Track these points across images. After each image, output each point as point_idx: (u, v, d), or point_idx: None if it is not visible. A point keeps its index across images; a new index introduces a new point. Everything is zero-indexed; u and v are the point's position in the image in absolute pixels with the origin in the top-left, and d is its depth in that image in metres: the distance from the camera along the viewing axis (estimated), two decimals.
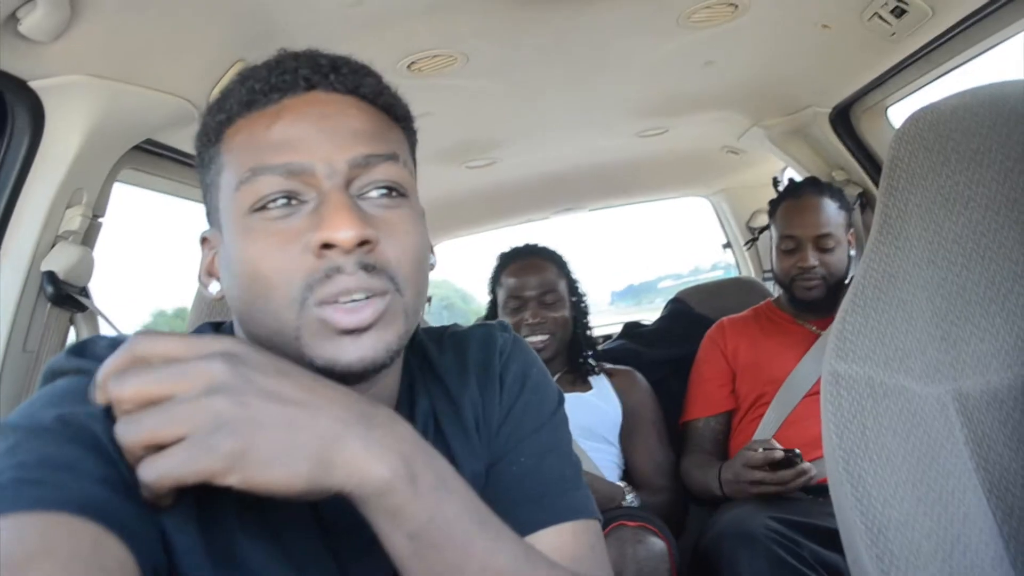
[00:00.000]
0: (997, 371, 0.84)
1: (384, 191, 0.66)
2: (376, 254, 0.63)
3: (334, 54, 0.70)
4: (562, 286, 2.04)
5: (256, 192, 0.64)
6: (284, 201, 0.64)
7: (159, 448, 0.51)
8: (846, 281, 1.93)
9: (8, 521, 0.47)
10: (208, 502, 0.60)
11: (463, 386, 0.78)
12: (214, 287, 0.71)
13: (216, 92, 0.72)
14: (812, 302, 1.92)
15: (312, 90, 0.67)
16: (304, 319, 0.62)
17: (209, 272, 0.72)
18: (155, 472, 0.50)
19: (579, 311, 2.10)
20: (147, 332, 0.55)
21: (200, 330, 0.74)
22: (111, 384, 0.52)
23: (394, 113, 0.72)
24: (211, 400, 0.50)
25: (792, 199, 1.97)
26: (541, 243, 2.14)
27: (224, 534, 0.62)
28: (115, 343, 0.64)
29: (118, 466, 0.53)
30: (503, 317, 2.03)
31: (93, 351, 0.63)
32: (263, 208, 0.64)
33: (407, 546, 0.55)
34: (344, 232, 0.61)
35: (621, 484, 1.80)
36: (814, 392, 1.84)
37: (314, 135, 0.64)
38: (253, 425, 0.51)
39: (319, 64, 0.67)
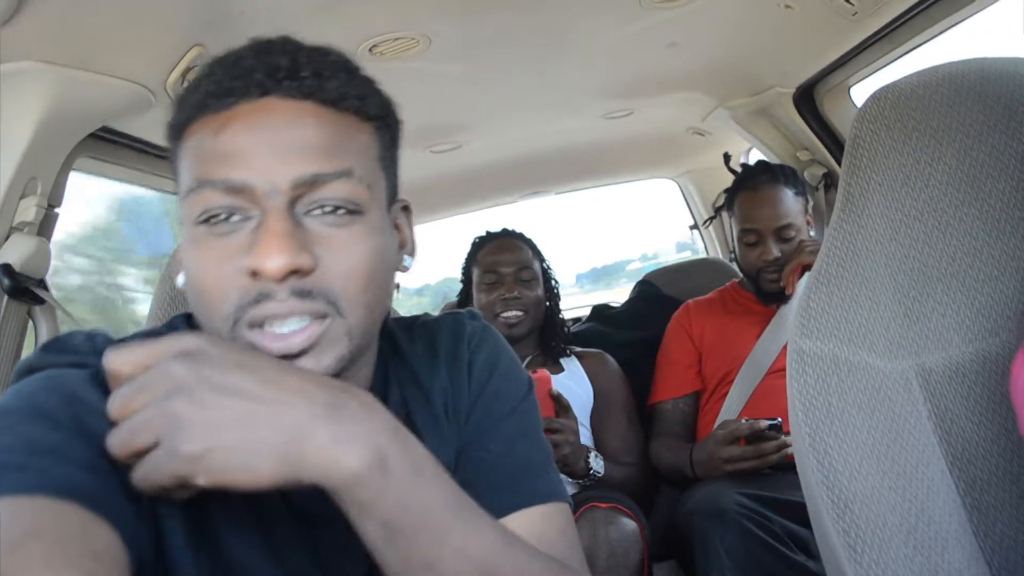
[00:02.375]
0: (958, 346, 0.86)
1: (332, 210, 0.63)
2: (315, 279, 0.61)
3: (304, 47, 0.66)
4: (536, 266, 2.07)
5: (200, 204, 0.62)
6: (226, 216, 0.61)
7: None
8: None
9: None
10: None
11: (433, 374, 0.78)
12: (180, 278, 0.69)
13: (174, 77, 0.70)
14: (779, 292, 1.94)
15: (266, 96, 0.62)
16: (236, 339, 0.61)
17: (180, 261, 0.70)
18: (138, 478, 0.53)
19: (552, 295, 2.12)
20: (113, 348, 0.56)
21: (173, 322, 0.73)
22: (108, 408, 0.54)
23: (365, 113, 0.67)
24: (170, 404, 0.51)
25: (749, 191, 1.97)
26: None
27: (209, 522, 0.62)
28: (92, 337, 0.63)
29: (104, 452, 0.54)
30: (478, 296, 2.05)
31: (70, 345, 0.63)
32: (207, 221, 0.62)
33: (380, 534, 0.55)
34: (273, 261, 0.58)
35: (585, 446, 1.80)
36: (776, 369, 1.86)
37: (259, 149, 0.61)
38: (211, 426, 0.51)
39: (277, 67, 0.63)
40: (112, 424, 0.54)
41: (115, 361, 0.55)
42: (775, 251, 1.90)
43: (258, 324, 0.60)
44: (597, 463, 1.75)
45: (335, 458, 0.53)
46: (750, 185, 1.97)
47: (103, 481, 0.53)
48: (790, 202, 1.93)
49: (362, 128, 0.67)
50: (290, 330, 0.60)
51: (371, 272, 0.64)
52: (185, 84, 0.68)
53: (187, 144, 0.64)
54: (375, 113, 0.68)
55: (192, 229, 0.63)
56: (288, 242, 0.59)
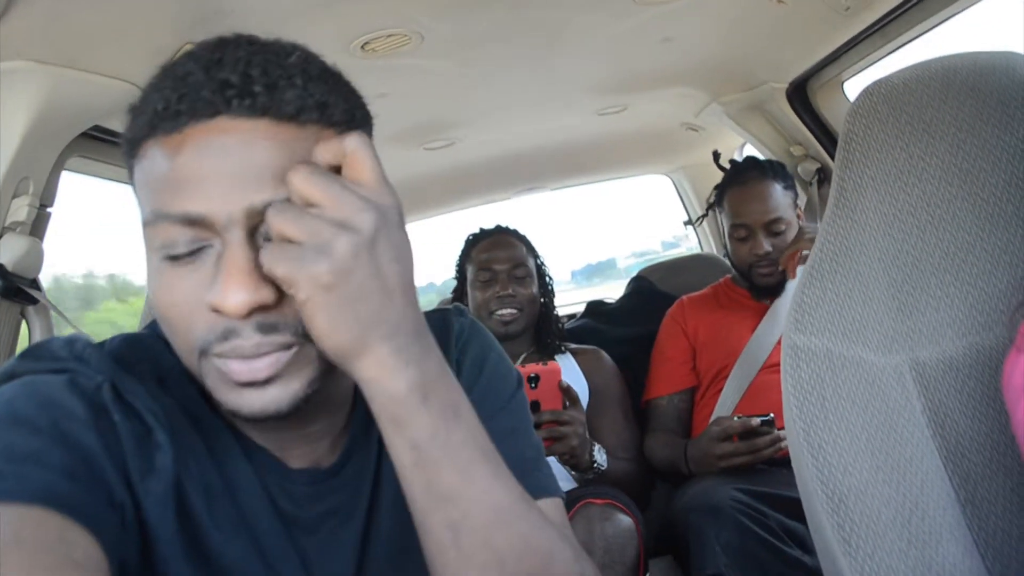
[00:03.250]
0: (952, 340, 0.86)
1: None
2: (280, 312, 0.58)
3: (259, 56, 0.60)
4: (531, 263, 2.07)
5: (160, 237, 0.58)
6: (187, 250, 0.58)
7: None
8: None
9: None
10: (183, 494, 0.61)
11: None
12: None
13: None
14: (772, 286, 1.94)
15: (216, 116, 0.57)
16: (204, 368, 0.60)
17: None
18: (265, 258, 0.53)
19: (546, 292, 2.12)
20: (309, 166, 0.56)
21: (153, 325, 0.71)
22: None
23: (329, 120, 0.62)
24: (339, 234, 0.52)
25: (738, 186, 1.98)
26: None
27: (199, 529, 0.62)
28: (71, 342, 0.63)
29: (85, 458, 0.53)
30: (472, 293, 2.05)
31: (49, 351, 0.62)
32: (168, 256, 0.59)
33: (409, 456, 0.56)
34: (233, 299, 0.55)
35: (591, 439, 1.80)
36: (771, 364, 1.87)
37: (212, 176, 0.57)
38: (346, 275, 0.52)
39: (227, 83, 0.58)
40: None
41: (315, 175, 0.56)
42: (766, 245, 1.91)
43: (227, 355, 0.58)
44: (601, 456, 1.76)
45: (387, 373, 0.54)
46: (739, 181, 1.98)
47: (83, 487, 0.52)
48: (779, 196, 1.94)
49: (324, 136, 0.61)
50: (256, 359, 0.58)
51: None
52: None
53: (141, 164, 0.61)
54: (339, 119, 0.63)
55: (152, 258, 0.60)
56: (248, 279, 0.56)
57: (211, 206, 0.56)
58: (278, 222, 0.53)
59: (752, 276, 1.96)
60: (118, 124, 1.50)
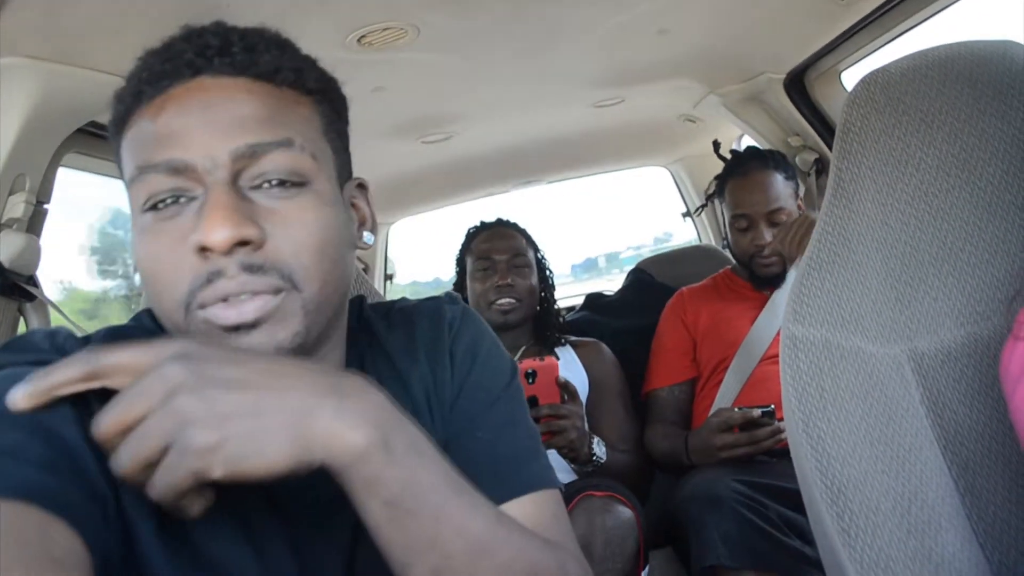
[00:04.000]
0: (950, 329, 0.86)
1: (278, 183, 0.63)
2: (265, 252, 0.60)
3: (237, 28, 0.66)
4: (531, 255, 2.07)
5: (145, 191, 0.61)
6: (172, 200, 0.61)
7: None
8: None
9: None
10: None
11: (412, 364, 0.77)
12: (138, 276, 0.68)
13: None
14: (773, 277, 1.94)
15: (198, 76, 0.62)
16: (191, 324, 0.61)
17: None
18: (156, 489, 0.51)
19: (546, 284, 2.12)
20: (97, 349, 0.54)
21: (138, 317, 0.72)
22: (93, 431, 0.52)
23: (303, 87, 0.67)
24: (174, 403, 0.50)
25: (739, 176, 1.97)
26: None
27: (185, 522, 0.60)
28: (52, 335, 0.62)
29: (65, 451, 0.53)
30: (472, 285, 2.05)
31: (30, 343, 0.62)
32: (153, 207, 0.62)
33: (384, 514, 0.55)
34: (217, 234, 0.58)
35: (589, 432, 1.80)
36: (771, 356, 1.86)
37: (195, 127, 0.61)
38: (221, 417, 0.50)
39: (206, 46, 0.63)
40: (99, 446, 0.52)
41: (100, 360, 0.53)
42: (767, 235, 1.90)
43: (210, 303, 0.60)
44: (600, 449, 1.76)
45: (341, 435, 0.53)
46: (740, 171, 1.98)
47: (64, 481, 0.51)
48: (780, 186, 1.93)
49: (300, 101, 0.67)
50: (243, 299, 0.60)
51: (323, 244, 0.64)
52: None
53: (127, 136, 0.64)
54: (314, 87, 0.68)
55: (139, 218, 0.62)
56: (232, 214, 0.58)
57: (193, 153, 0.60)
58: (119, 422, 0.51)
59: (753, 266, 1.95)
60: None
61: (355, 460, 0.53)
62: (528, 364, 1.65)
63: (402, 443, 0.56)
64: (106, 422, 0.51)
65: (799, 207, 1.97)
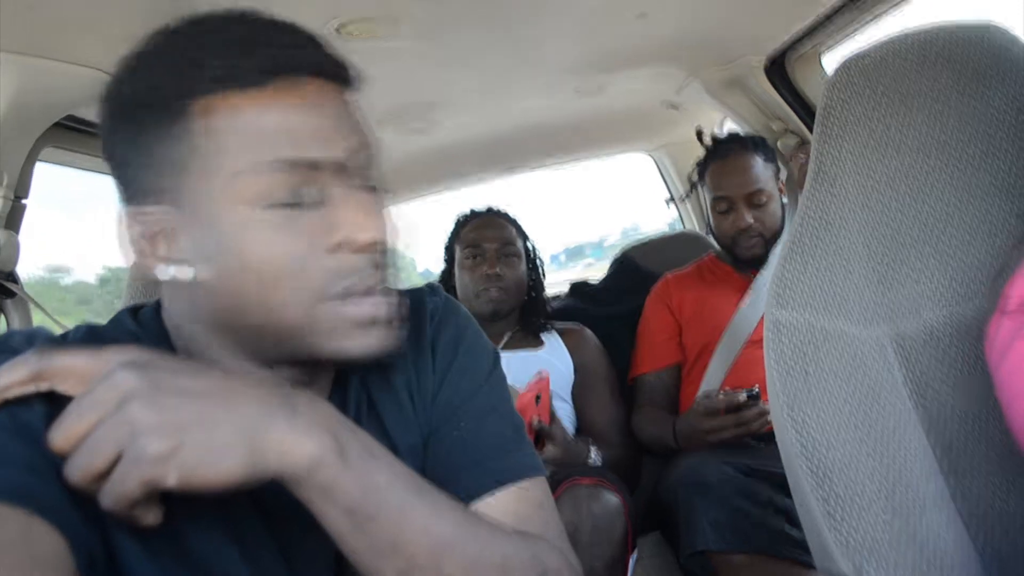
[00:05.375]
0: (932, 311, 0.86)
1: (374, 188, 0.66)
2: (384, 253, 0.65)
3: (302, 29, 0.65)
4: (520, 244, 2.06)
5: (268, 185, 0.60)
6: (298, 197, 0.61)
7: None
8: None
9: None
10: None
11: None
12: (176, 271, 0.63)
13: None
14: (755, 259, 1.94)
15: (308, 75, 0.63)
16: (321, 315, 0.62)
17: (167, 257, 0.63)
18: (108, 498, 0.50)
19: (536, 276, 2.12)
20: (45, 350, 0.54)
21: (118, 317, 0.71)
22: (48, 443, 0.51)
23: (347, 80, 0.69)
24: (126, 411, 0.50)
25: (719, 160, 1.98)
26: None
27: (172, 524, 0.59)
28: (31, 336, 0.62)
29: (45, 452, 0.52)
30: (460, 273, 2.05)
31: (8, 345, 0.61)
32: (274, 204, 0.60)
33: (345, 521, 0.55)
34: (371, 233, 0.61)
35: (585, 440, 1.80)
36: (756, 340, 1.87)
37: (330, 127, 0.62)
38: (173, 425, 0.50)
39: (311, 42, 0.64)
40: (55, 454, 0.52)
41: (46, 363, 0.53)
42: (748, 218, 1.91)
43: (345, 296, 0.62)
44: (598, 459, 1.77)
45: (294, 445, 0.53)
46: (720, 154, 1.99)
47: (46, 482, 0.51)
48: (760, 168, 1.94)
49: (347, 95, 0.70)
50: (377, 298, 0.64)
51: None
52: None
53: (212, 122, 0.60)
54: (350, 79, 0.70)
55: (248, 212, 0.60)
56: (378, 214, 0.63)
57: (336, 152, 0.62)
58: (72, 433, 0.51)
59: (736, 249, 1.96)
60: (93, 113, 1.48)
61: (311, 467, 0.54)
62: (533, 388, 1.63)
63: (356, 448, 0.56)
64: (60, 434, 0.51)
65: (780, 191, 1.98)
